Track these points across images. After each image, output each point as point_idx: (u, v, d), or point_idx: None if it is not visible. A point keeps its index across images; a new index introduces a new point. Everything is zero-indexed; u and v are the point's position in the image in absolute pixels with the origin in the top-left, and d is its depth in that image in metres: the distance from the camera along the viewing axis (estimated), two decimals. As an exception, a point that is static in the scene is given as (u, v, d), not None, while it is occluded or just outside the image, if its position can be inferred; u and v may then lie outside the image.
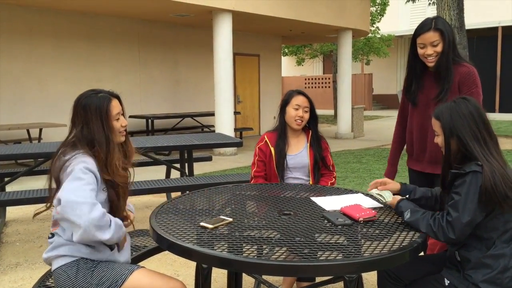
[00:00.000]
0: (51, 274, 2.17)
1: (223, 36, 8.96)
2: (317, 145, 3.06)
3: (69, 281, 1.94)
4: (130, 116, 9.76)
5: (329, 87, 21.79)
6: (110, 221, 1.91)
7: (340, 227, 1.97)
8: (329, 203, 2.35)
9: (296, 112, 2.99)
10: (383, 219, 2.10)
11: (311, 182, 3.02)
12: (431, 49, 2.56)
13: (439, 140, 2.03)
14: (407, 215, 1.99)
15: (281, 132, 3.06)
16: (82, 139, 2.02)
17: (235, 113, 10.70)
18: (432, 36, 2.54)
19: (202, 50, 11.32)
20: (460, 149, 1.93)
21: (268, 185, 2.83)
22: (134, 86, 10.29)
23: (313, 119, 3.09)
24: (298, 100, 3.01)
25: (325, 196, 2.51)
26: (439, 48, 2.55)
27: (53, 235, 2.06)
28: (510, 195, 1.80)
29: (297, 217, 2.12)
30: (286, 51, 19.58)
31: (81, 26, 9.30)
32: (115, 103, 2.11)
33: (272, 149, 3.03)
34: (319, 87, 23.20)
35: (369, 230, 1.94)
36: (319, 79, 23.60)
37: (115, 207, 2.06)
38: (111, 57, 9.85)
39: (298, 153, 3.03)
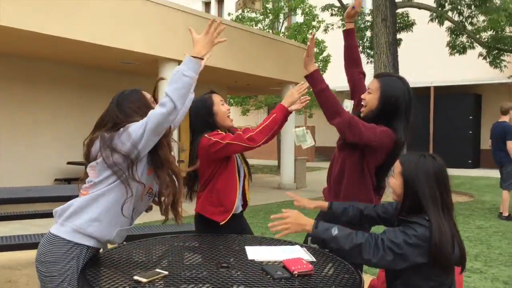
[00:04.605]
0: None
1: (169, 84, 8.99)
2: None
3: (54, 259, 2.06)
4: (68, 163, 9.42)
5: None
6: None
7: (278, 280, 1.95)
8: (264, 254, 2.31)
9: (225, 107, 2.89)
10: (320, 272, 2.10)
11: (245, 177, 2.96)
12: (365, 94, 2.60)
13: (392, 181, 2.07)
14: (334, 231, 2.02)
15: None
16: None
17: (179, 161, 10.58)
18: (372, 83, 2.59)
19: (147, 97, 11.25)
20: (415, 202, 1.97)
21: (208, 235, 2.78)
22: (73, 131, 10.00)
23: None
24: (218, 97, 2.92)
25: (260, 246, 2.48)
26: (368, 98, 2.55)
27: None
28: (452, 258, 1.85)
29: (235, 270, 2.08)
30: (232, 102, 19.86)
31: (19, 69, 9.04)
32: (145, 93, 2.36)
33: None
34: (263, 137, 23.55)
35: (307, 284, 1.93)
36: (263, 130, 23.98)
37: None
38: (49, 101, 9.59)
39: None
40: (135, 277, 1.90)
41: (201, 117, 2.90)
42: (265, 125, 2.73)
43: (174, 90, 2.06)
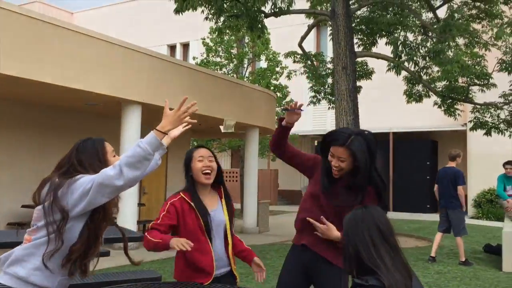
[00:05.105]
0: None
1: (132, 127, 8.92)
2: (230, 203, 2.96)
3: None
4: (23, 206, 9.07)
5: (236, 181, 22.10)
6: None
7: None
8: None
9: (202, 163, 2.83)
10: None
11: (230, 245, 2.86)
12: (336, 161, 2.71)
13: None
14: None
15: (192, 190, 2.85)
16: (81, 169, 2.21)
17: (140, 205, 10.38)
18: (341, 152, 2.67)
19: (108, 139, 11.00)
20: (355, 254, 1.96)
21: (166, 283, 2.70)
22: (31, 173, 9.68)
23: (219, 173, 2.94)
24: (201, 152, 2.89)
25: None
26: (343, 165, 2.68)
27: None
28: None
29: (195, 321, 2.02)
30: (195, 144, 19.82)
31: (-22, 108, 8.80)
32: (107, 144, 2.41)
33: (192, 204, 2.79)
34: (226, 180, 23.39)
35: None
36: (227, 172, 23.93)
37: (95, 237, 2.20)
38: (8, 142, 9.31)
39: (215, 209, 2.87)
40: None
41: (184, 169, 2.94)
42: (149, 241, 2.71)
43: (125, 157, 2.07)
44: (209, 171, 2.83)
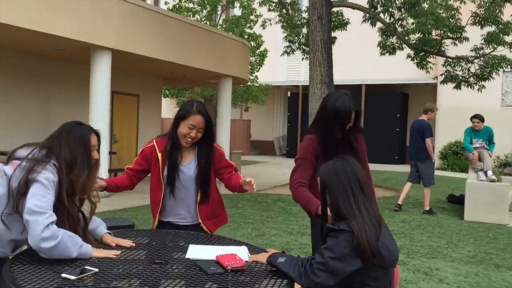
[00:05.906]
0: None
1: (102, 74, 8.68)
2: (207, 157, 2.89)
3: None
4: (-10, 152, 8.87)
5: (208, 130, 22.07)
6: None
7: (211, 276, 1.96)
8: (203, 252, 2.27)
9: (189, 131, 2.78)
10: (253, 267, 2.13)
11: (199, 196, 2.90)
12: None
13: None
14: (281, 259, 2.05)
15: (174, 141, 2.85)
16: (61, 159, 2.17)
17: (111, 153, 10.28)
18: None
19: (77, 85, 10.81)
20: (332, 202, 2.04)
21: (144, 231, 2.73)
22: (-3, 119, 9.43)
23: (208, 137, 2.90)
24: (195, 120, 2.77)
25: (206, 245, 2.45)
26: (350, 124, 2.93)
27: None
28: (376, 254, 1.90)
29: (168, 266, 2.06)
30: (167, 93, 19.54)
31: None
32: (94, 137, 2.32)
33: (159, 154, 2.86)
34: (199, 130, 23.38)
35: (240, 277, 1.96)
36: (199, 122, 23.81)
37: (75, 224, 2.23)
38: (-29, 87, 8.97)
39: (187, 164, 2.89)
40: (63, 275, 1.83)
41: (174, 119, 2.89)
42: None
43: (59, 244, 1.99)
44: (190, 140, 2.82)
